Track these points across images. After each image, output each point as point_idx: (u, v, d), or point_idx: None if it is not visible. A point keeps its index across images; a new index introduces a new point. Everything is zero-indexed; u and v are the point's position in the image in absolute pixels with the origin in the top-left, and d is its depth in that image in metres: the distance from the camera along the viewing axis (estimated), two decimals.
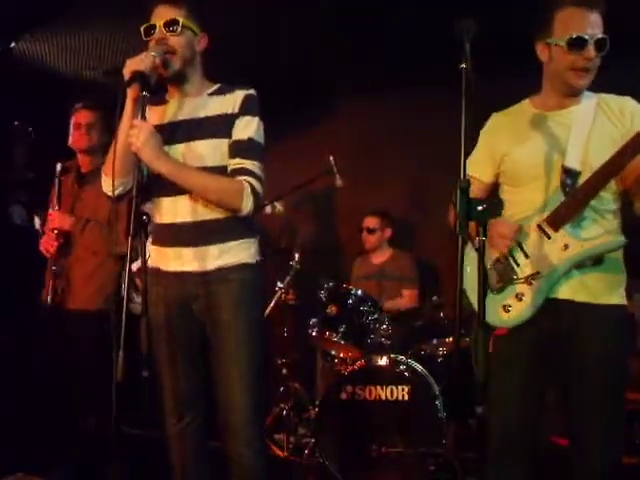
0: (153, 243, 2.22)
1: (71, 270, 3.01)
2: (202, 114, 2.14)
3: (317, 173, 4.17)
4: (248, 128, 2.12)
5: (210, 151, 2.11)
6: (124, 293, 1.81)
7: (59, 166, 3.05)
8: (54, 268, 3.00)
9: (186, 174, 2.07)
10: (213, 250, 2.11)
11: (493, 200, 1.61)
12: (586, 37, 1.84)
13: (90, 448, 2.93)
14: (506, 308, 1.92)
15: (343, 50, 4.15)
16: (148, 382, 2.39)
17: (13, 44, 3.92)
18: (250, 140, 2.12)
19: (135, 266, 2.41)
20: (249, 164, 2.10)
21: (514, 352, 1.95)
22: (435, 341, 3.57)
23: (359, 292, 3.54)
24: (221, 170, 2.12)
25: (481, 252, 1.59)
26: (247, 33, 3.84)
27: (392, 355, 3.28)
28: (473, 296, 2.07)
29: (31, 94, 4.02)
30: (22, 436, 3.39)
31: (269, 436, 3.77)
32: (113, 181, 1.97)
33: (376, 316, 3.47)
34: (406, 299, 4.05)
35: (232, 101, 2.13)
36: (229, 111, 2.12)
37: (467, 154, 1.60)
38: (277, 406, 3.89)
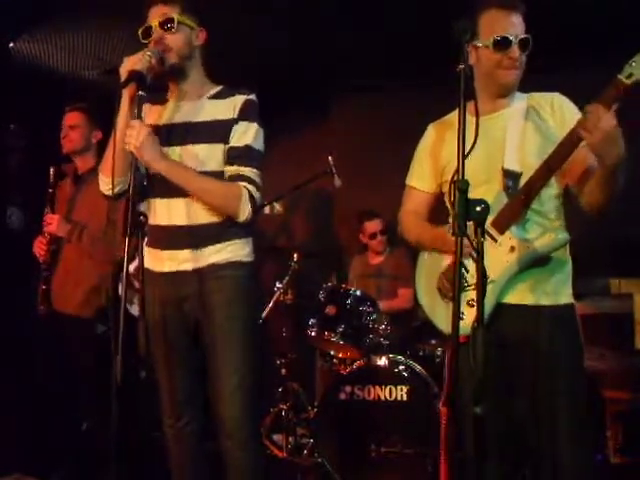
0: (147, 245, 2.21)
1: (64, 275, 3.01)
2: (200, 118, 2.13)
3: (316, 173, 4.17)
4: (246, 134, 2.11)
5: (205, 156, 2.10)
6: (122, 294, 1.80)
7: (52, 170, 3.06)
8: (45, 273, 3.00)
9: (185, 175, 2.06)
10: (207, 251, 2.12)
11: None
12: (510, 37, 1.90)
13: (89, 449, 2.93)
14: (460, 316, 1.88)
15: (343, 50, 4.15)
16: (146, 383, 2.39)
17: (11, 44, 3.92)
18: (247, 147, 2.11)
19: (132, 267, 2.41)
20: (247, 171, 2.10)
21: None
22: (434, 341, 3.56)
23: (358, 292, 3.54)
24: (216, 175, 2.11)
25: (480, 253, 1.58)
26: (247, 33, 3.84)
27: (391, 355, 3.28)
28: (427, 305, 2.09)
29: (29, 94, 4.02)
30: (20, 436, 3.39)
31: (268, 436, 3.78)
32: (113, 180, 1.97)
33: (375, 316, 3.48)
34: (401, 299, 4.04)
35: (231, 106, 2.12)
36: (227, 116, 2.11)
37: (465, 154, 1.59)
38: (276, 406, 3.89)
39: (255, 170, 2.11)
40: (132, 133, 1.93)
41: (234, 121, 2.10)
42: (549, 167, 1.84)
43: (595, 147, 1.75)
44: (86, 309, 2.95)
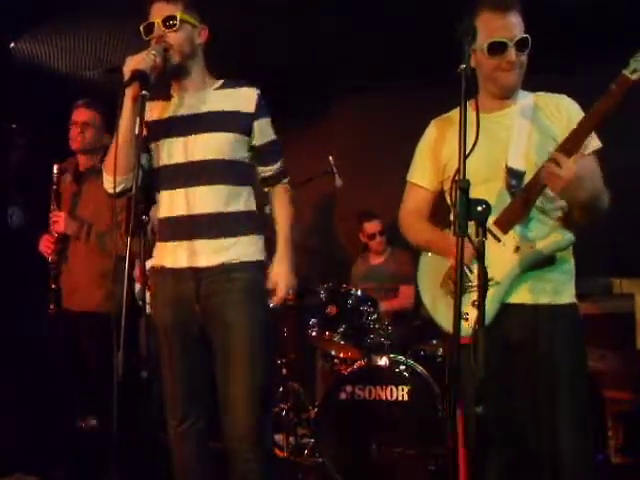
0: (158, 239, 2.22)
1: (78, 272, 2.98)
2: (205, 108, 2.13)
3: (317, 173, 4.17)
4: (268, 131, 2.22)
5: (212, 145, 2.10)
6: (124, 293, 1.80)
7: (55, 168, 3.05)
8: (54, 272, 2.98)
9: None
10: (214, 244, 2.09)
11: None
12: (505, 41, 1.86)
13: (90, 448, 2.92)
14: (464, 316, 1.84)
15: (343, 50, 4.15)
16: (148, 383, 2.38)
17: (12, 44, 3.92)
18: (273, 142, 2.25)
19: (147, 265, 2.40)
20: (278, 166, 2.28)
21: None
22: (434, 341, 3.56)
23: (359, 292, 3.53)
24: (230, 164, 2.12)
25: (480, 253, 1.58)
26: (247, 33, 3.84)
27: (392, 355, 3.28)
28: (430, 305, 2.08)
29: (30, 94, 4.02)
30: (20, 436, 3.39)
31: None
32: (115, 179, 1.94)
33: (376, 316, 3.47)
34: (402, 297, 4.04)
35: (244, 99, 2.15)
36: (241, 109, 2.14)
37: (466, 155, 1.58)
38: (277, 406, 3.89)
39: (282, 159, 2.30)
40: None
41: (253, 116, 2.16)
42: (539, 182, 1.83)
43: (558, 194, 1.78)
44: (106, 305, 2.91)
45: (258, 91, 2.18)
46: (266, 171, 2.27)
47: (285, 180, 2.32)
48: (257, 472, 2.08)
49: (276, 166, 2.28)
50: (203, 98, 2.15)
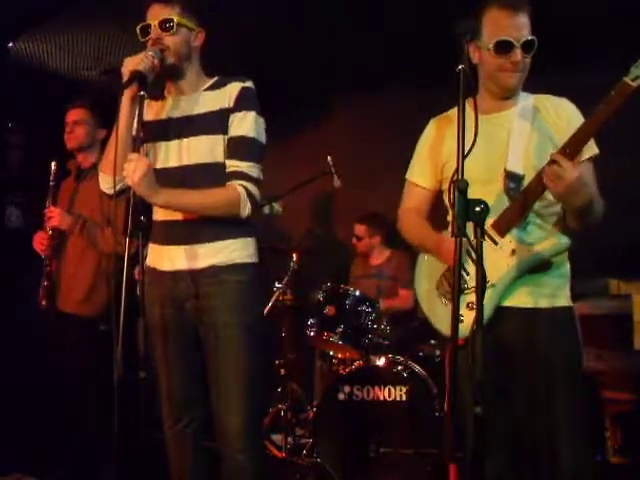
0: (150, 241, 2.21)
1: (65, 271, 3.00)
2: (196, 111, 2.11)
3: (315, 173, 4.17)
4: (243, 125, 2.06)
5: (203, 148, 2.09)
6: (123, 292, 1.80)
7: (54, 165, 3.05)
8: (48, 269, 2.99)
9: (182, 200, 2.03)
10: (205, 248, 2.08)
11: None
12: (512, 40, 1.85)
13: (88, 449, 2.92)
14: (459, 318, 1.80)
15: (343, 50, 4.15)
16: (146, 383, 2.39)
17: (11, 44, 3.92)
18: (244, 138, 2.06)
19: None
20: (244, 166, 2.05)
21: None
22: (433, 342, 3.57)
23: (357, 293, 3.54)
24: (216, 167, 2.09)
25: (479, 253, 1.58)
26: (247, 32, 3.84)
27: (390, 355, 3.29)
28: (426, 307, 2.09)
29: (29, 94, 4.02)
30: (20, 436, 3.38)
31: (267, 436, 3.77)
32: (114, 179, 1.92)
33: (374, 317, 3.47)
34: (402, 299, 4.05)
35: (226, 95, 2.09)
36: (223, 106, 2.08)
37: (465, 155, 1.58)
38: (275, 406, 3.89)
39: (251, 163, 2.06)
40: (130, 167, 1.87)
41: (230, 111, 2.07)
42: (538, 186, 1.83)
43: (557, 196, 1.78)
44: (87, 307, 2.94)
45: (245, 84, 2.08)
46: (229, 166, 2.07)
47: (243, 182, 2.04)
48: (250, 472, 2.08)
49: (241, 164, 2.04)
50: (195, 100, 2.13)
